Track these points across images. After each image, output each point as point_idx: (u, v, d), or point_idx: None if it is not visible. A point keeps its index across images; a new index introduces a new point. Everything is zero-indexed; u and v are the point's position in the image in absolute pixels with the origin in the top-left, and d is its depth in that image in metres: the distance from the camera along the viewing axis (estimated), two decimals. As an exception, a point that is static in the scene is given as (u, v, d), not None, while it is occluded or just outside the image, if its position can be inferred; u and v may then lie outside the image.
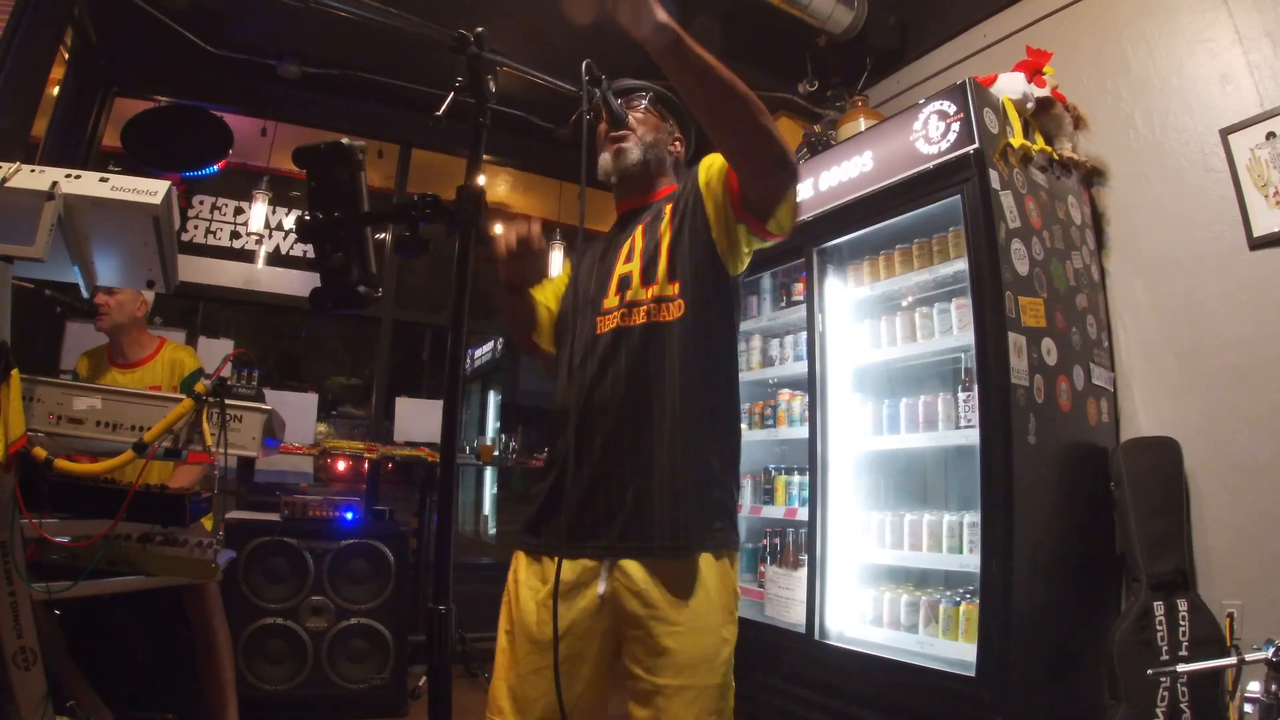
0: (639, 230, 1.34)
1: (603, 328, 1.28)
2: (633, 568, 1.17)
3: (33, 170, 1.33)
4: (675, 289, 1.25)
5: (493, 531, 7.94)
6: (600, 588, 1.19)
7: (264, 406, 1.56)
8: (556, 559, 1.18)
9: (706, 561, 1.19)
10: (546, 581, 1.21)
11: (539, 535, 1.27)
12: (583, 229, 1.19)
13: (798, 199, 1.24)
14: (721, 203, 1.25)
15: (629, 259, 1.31)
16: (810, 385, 2.54)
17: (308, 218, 0.86)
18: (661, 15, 1.03)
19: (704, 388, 1.24)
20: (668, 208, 1.34)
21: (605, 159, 1.39)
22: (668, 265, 1.26)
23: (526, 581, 1.25)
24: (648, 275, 1.27)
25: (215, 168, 3.83)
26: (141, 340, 2.49)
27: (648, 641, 1.15)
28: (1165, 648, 1.95)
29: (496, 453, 4.07)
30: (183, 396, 1.49)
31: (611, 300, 1.29)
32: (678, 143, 1.47)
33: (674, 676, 1.13)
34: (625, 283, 1.29)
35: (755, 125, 1.09)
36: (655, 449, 1.20)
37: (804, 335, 2.68)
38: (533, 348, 1.48)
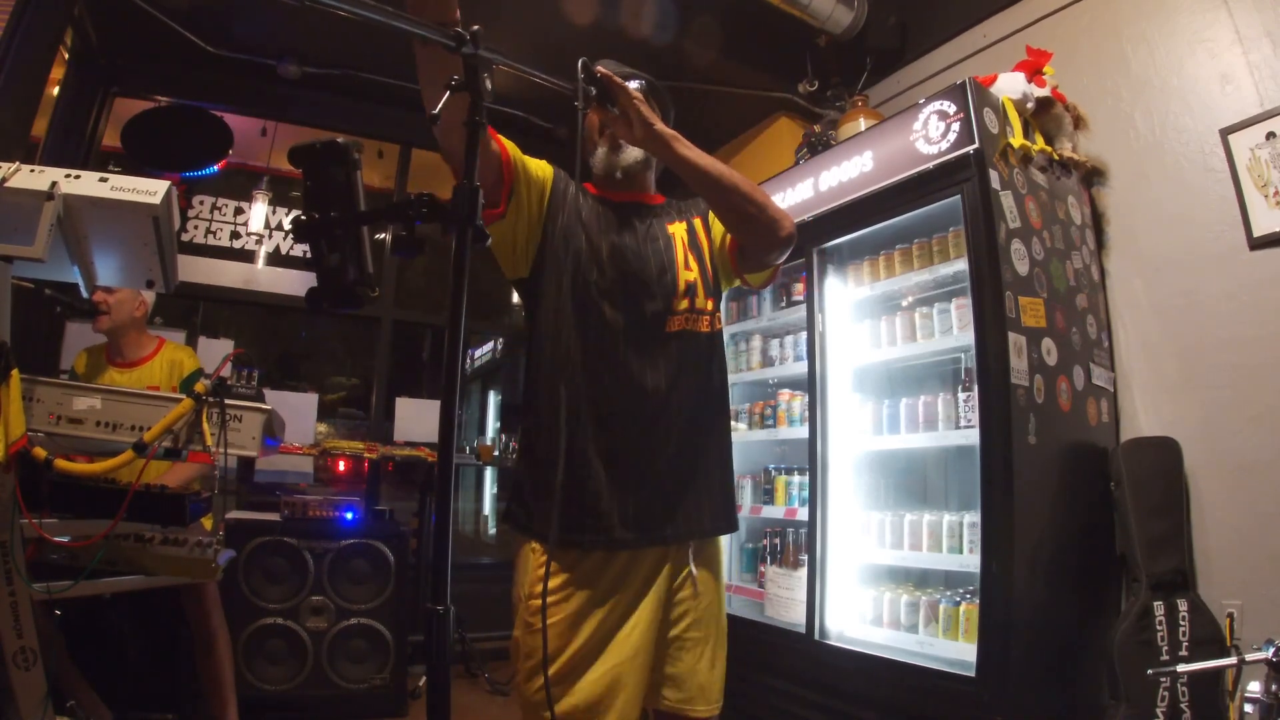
0: (680, 237, 1.39)
1: (672, 327, 1.33)
2: (693, 549, 1.33)
3: (33, 170, 1.33)
4: (711, 304, 1.38)
5: (492, 532, 7.93)
6: (691, 568, 1.32)
7: (264, 406, 1.56)
8: (631, 554, 1.28)
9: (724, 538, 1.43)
10: (622, 576, 1.26)
11: (601, 530, 1.23)
12: (584, 226, 1.21)
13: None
14: (722, 243, 1.42)
15: (688, 266, 1.36)
16: (810, 385, 2.54)
17: (304, 217, 0.86)
18: (659, 126, 1.24)
19: (727, 392, 1.44)
20: (698, 222, 1.43)
21: (602, 152, 1.37)
22: (714, 281, 1.41)
23: (591, 576, 1.24)
24: (708, 289, 1.38)
25: (215, 168, 3.84)
26: (141, 341, 2.49)
27: (685, 604, 1.31)
28: (1165, 648, 1.94)
29: (496, 453, 4.07)
30: (182, 396, 1.49)
31: (681, 302, 1.34)
32: None
33: (700, 628, 1.31)
34: (692, 289, 1.35)
35: (753, 214, 1.27)
36: (716, 442, 1.38)
37: (804, 335, 2.68)
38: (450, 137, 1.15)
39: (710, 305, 1.37)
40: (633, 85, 1.35)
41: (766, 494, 2.79)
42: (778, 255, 1.34)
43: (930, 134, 2.21)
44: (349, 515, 2.88)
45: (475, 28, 0.89)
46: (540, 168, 1.35)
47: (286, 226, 4.14)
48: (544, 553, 1.21)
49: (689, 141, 1.27)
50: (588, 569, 1.24)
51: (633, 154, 1.36)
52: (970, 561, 2.03)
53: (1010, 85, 2.31)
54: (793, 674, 2.36)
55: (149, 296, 2.45)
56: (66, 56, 3.25)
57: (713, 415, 1.38)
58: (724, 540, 1.43)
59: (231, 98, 3.87)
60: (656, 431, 1.28)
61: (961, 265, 2.14)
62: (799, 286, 2.78)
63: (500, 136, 1.27)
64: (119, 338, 2.44)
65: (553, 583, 1.22)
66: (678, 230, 1.40)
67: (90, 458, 1.54)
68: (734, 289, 1.59)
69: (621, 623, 1.24)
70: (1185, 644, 1.95)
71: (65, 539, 1.45)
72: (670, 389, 1.30)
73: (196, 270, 3.82)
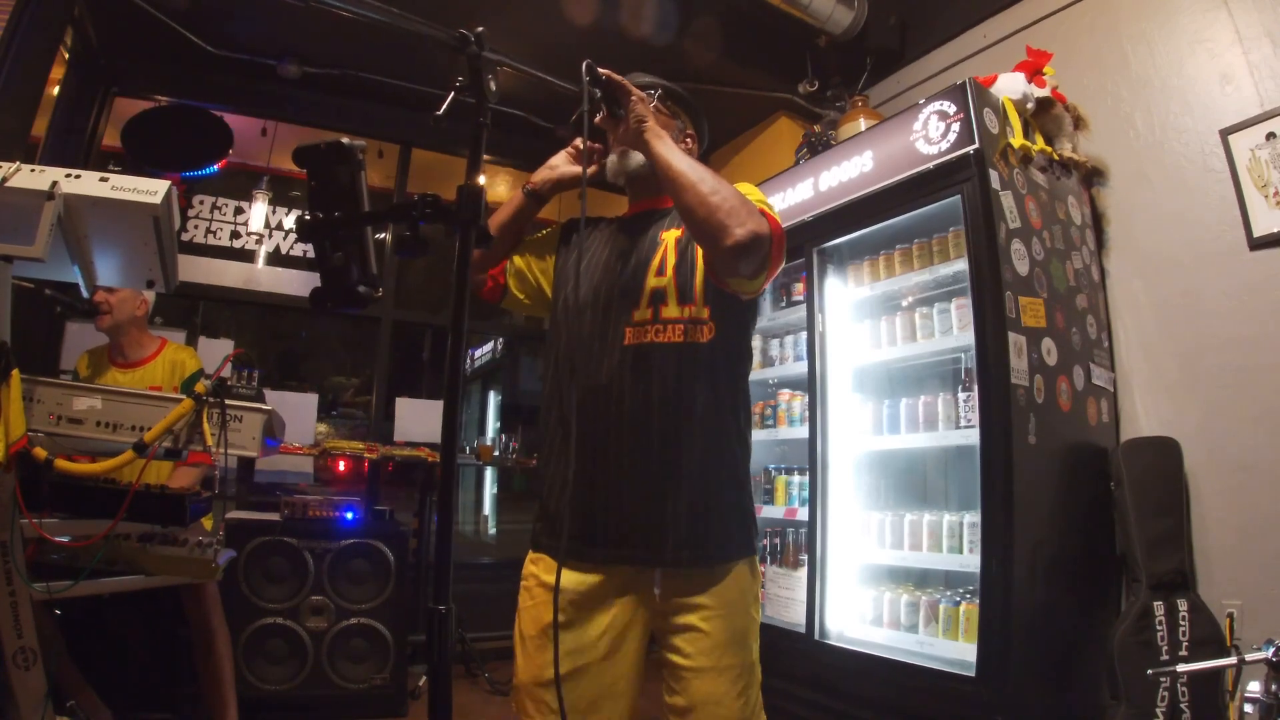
0: (669, 243, 1.33)
1: (633, 339, 1.27)
2: (679, 574, 1.24)
3: (33, 170, 1.32)
4: (707, 313, 1.28)
5: (493, 531, 7.94)
6: (656, 589, 1.25)
7: (264, 406, 1.56)
8: (595, 565, 1.25)
9: (743, 562, 1.29)
10: (582, 584, 1.24)
11: (583, 542, 1.25)
12: (584, 228, 1.21)
13: (773, 269, 1.26)
14: None
15: (660, 272, 1.30)
16: (810, 385, 2.54)
17: (308, 217, 0.86)
18: (649, 122, 1.25)
19: (731, 406, 1.31)
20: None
21: (612, 160, 1.38)
22: (702, 288, 1.28)
23: (563, 589, 1.22)
24: (684, 294, 1.28)
25: (215, 168, 3.83)
26: (142, 340, 2.49)
27: (687, 631, 1.22)
28: (1165, 648, 1.95)
29: (496, 453, 4.07)
30: (183, 397, 1.49)
31: (644, 313, 1.28)
32: (689, 139, 1.45)
33: (708, 658, 1.20)
34: (659, 297, 1.28)
35: (702, 215, 1.16)
36: (692, 464, 1.25)
37: (804, 335, 2.68)
38: (490, 283, 1.47)
39: (687, 312, 1.27)
40: (652, 99, 1.37)
41: (766, 494, 2.79)
42: (733, 264, 1.18)
43: (930, 134, 2.21)
44: (349, 515, 2.88)
45: (480, 29, 0.89)
46: (543, 246, 1.48)
47: (287, 226, 4.14)
48: (534, 555, 1.31)
49: (672, 143, 1.26)
50: (556, 567, 1.23)
51: (637, 158, 1.35)
52: (970, 561, 2.03)
53: (1010, 85, 2.31)
54: (793, 674, 2.36)
55: (149, 295, 2.45)
56: (66, 56, 3.24)
57: (691, 435, 1.24)
58: (745, 565, 1.28)
59: (231, 98, 3.87)
60: (607, 448, 1.24)
61: (961, 265, 2.14)
62: (799, 286, 2.79)
63: (504, 272, 1.47)
64: (120, 337, 2.43)
65: (531, 577, 1.30)
66: (670, 236, 1.33)
67: (93, 458, 1.53)
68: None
69: (586, 631, 1.22)
70: (1185, 644, 1.95)
71: (65, 539, 1.45)
72: (621, 404, 1.24)
73: (196, 270, 3.82)
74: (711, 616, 1.22)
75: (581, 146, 1.41)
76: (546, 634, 1.21)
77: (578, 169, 1.42)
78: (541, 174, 1.45)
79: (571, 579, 1.24)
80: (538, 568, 1.29)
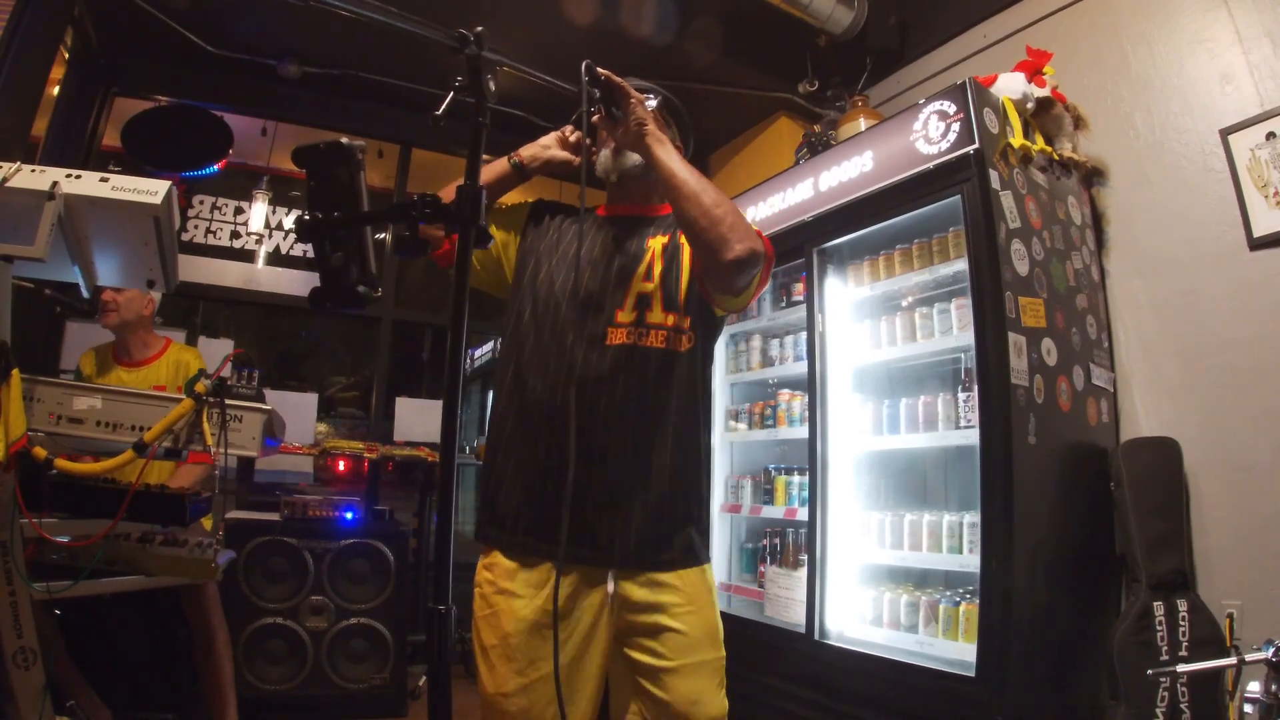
0: (656, 249, 1.34)
1: (613, 339, 1.28)
2: (647, 577, 1.24)
3: (33, 170, 1.33)
4: (688, 323, 1.31)
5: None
6: (610, 589, 1.24)
7: (264, 406, 1.56)
8: (553, 564, 1.20)
9: (706, 566, 1.31)
10: (541, 586, 1.22)
11: (538, 538, 1.25)
12: (583, 228, 1.21)
13: (760, 288, 1.32)
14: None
15: (648, 277, 1.31)
16: (810, 385, 2.54)
17: (307, 217, 0.86)
18: (649, 126, 1.25)
19: (699, 415, 1.34)
20: (684, 236, 1.34)
21: (605, 156, 1.38)
22: (686, 298, 1.32)
23: (516, 588, 1.23)
24: (670, 302, 1.31)
25: (215, 168, 3.83)
26: (147, 340, 2.49)
27: (658, 631, 1.22)
28: (1165, 648, 1.95)
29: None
30: (183, 396, 1.49)
31: (627, 314, 1.29)
32: (677, 148, 1.46)
33: (684, 656, 1.21)
34: (645, 301, 1.30)
35: (704, 227, 1.19)
36: (662, 469, 1.27)
37: (804, 335, 2.68)
38: (447, 245, 1.36)
39: (671, 320, 1.29)
40: (651, 103, 1.35)
41: (766, 494, 2.79)
42: (727, 278, 1.22)
43: (930, 134, 2.21)
44: (349, 515, 2.88)
45: (479, 29, 0.89)
46: (508, 220, 1.45)
47: (287, 226, 4.14)
48: (488, 555, 1.29)
49: (674, 150, 1.27)
50: (513, 570, 1.24)
51: (632, 158, 1.35)
52: (970, 561, 2.03)
53: (1010, 85, 2.31)
54: (792, 674, 2.36)
55: (155, 295, 2.46)
56: (66, 56, 3.24)
57: (662, 440, 1.27)
58: (716, 559, 1.33)
59: (231, 98, 3.87)
60: (579, 446, 1.20)
61: (961, 265, 2.14)
62: (799, 286, 2.78)
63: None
64: (126, 335, 2.44)
65: (487, 584, 1.27)
66: (657, 243, 1.35)
67: (96, 457, 1.54)
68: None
69: (550, 638, 1.18)
70: (1185, 644, 1.95)
71: (65, 539, 1.45)
72: (597, 402, 1.24)
73: (196, 270, 3.82)
74: (683, 614, 1.23)
75: (572, 139, 1.42)
76: (507, 642, 1.20)
77: (567, 155, 1.44)
78: (532, 150, 1.43)
79: (532, 580, 1.22)
80: (492, 573, 1.27)
